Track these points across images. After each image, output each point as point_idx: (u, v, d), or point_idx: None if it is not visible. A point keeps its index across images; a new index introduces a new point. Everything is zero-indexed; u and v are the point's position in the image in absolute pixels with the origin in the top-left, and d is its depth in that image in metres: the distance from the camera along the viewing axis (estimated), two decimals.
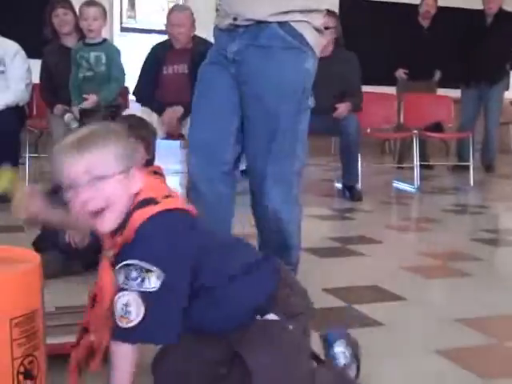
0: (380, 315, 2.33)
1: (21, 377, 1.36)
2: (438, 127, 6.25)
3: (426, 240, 3.73)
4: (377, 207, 4.83)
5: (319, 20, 2.20)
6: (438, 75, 7.02)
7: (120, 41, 7.85)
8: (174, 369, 1.49)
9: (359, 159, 5.24)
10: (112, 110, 4.36)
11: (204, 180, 2.25)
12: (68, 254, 2.74)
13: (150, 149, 2.68)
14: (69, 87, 4.39)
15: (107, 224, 1.40)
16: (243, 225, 2.70)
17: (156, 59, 4.84)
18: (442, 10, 7.06)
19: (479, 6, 6.74)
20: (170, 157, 5.80)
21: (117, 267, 1.37)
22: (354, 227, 4.13)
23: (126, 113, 4.71)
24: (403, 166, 6.68)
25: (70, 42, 4.65)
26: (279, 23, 2.12)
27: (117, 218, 1.40)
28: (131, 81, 5.39)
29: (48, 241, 2.86)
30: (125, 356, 1.38)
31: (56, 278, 2.63)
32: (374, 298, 2.56)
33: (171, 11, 4.93)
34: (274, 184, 2.22)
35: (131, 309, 1.35)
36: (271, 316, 1.45)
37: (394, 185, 5.95)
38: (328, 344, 1.68)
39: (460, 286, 2.78)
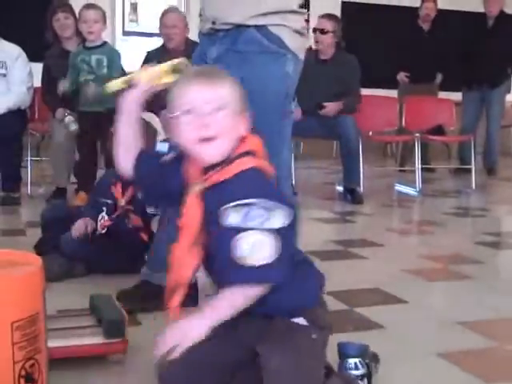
0: (381, 318, 2.33)
1: (22, 380, 1.36)
2: (439, 130, 6.24)
3: (428, 243, 3.73)
4: (378, 210, 4.83)
5: (299, 22, 2.16)
6: (439, 78, 7.02)
7: (122, 44, 7.87)
8: (183, 374, 1.46)
9: (361, 162, 5.25)
10: (113, 114, 4.36)
11: None
12: (70, 257, 2.75)
13: (150, 146, 2.70)
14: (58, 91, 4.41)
15: (215, 152, 1.45)
16: None
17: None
18: (442, 13, 7.06)
19: (480, 9, 6.74)
20: None
21: (229, 205, 1.38)
22: (355, 230, 4.13)
23: None
24: (405, 169, 6.68)
25: (71, 45, 4.66)
26: (257, 27, 2.08)
27: (224, 150, 1.45)
28: None
29: (49, 244, 2.86)
30: (242, 301, 1.40)
31: (59, 281, 2.63)
32: (375, 301, 2.56)
33: (164, 13, 4.93)
34: None
35: (261, 247, 1.37)
36: (301, 320, 1.48)
37: (396, 188, 5.95)
38: (343, 354, 1.71)
39: (461, 288, 2.78)
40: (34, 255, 1.56)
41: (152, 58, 4.96)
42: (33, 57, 4.84)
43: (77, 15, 4.57)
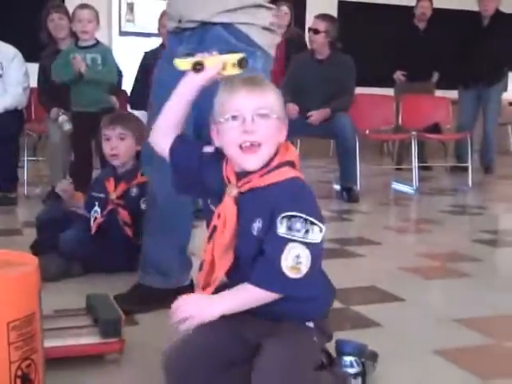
0: (378, 316, 2.33)
1: (18, 381, 1.35)
2: (436, 128, 6.25)
3: (425, 241, 3.73)
4: (375, 208, 4.83)
5: (268, 19, 2.16)
6: (435, 76, 7.03)
7: (119, 44, 7.87)
8: (188, 365, 1.48)
9: (357, 160, 5.25)
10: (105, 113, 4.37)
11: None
12: (68, 256, 2.75)
13: (141, 141, 2.71)
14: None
15: (258, 161, 1.49)
16: None
17: (147, 66, 4.84)
18: (438, 12, 7.07)
19: (476, 8, 6.74)
20: None
21: (279, 215, 1.42)
22: (352, 228, 4.14)
23: None
24: (402, 167, 6.68)
25: (66, 46, 4.66)
26: (224, 25, 2.07)
27: (266, 158, 1.49)
28: (130, 84, 5.41)
29: (46, 245, 2.86)
30: (261, 300, 1.46)
31: (56, 281, 2.63)
32: (372, 299, 2.56)
33: (163, 14, 4.94)
34: None
35: (302, 260, 1.43)
36: (310, 323, 1.56)
37: (393, 186, 5.95)
38: (339, 352, 1.72)
39: (459, 286, 2.78)
40: (31, 255, 1.56)
41: (149, 58, 4.97)
42: (29, 57, 4.83)
43: (71, 15, 4.57)
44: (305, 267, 1.43)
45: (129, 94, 5.52)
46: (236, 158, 1.50)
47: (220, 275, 1.53)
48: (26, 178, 4.97)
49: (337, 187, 5.28)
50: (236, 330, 1.52)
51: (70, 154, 4.57)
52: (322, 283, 1.61)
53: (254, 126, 1.47)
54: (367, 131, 5.89)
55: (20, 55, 4.72)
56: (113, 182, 2.88)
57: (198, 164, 1.60)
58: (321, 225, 1.45)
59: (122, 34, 8.23)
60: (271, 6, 2.19)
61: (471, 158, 6.10)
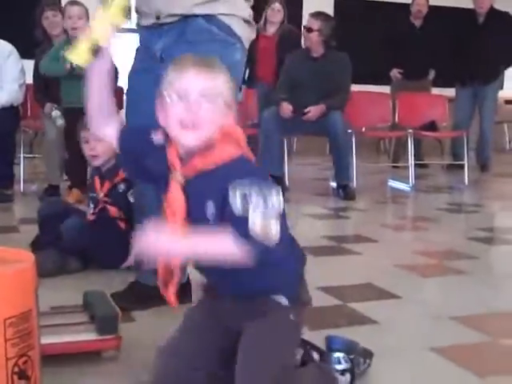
0: (375, 313, 2.33)
1: (15, 377, 1.35)
2: (432, 126, 6.26)
3: (421, 239, 3.74)
4: (372, 206, 4.84)
5: (247, 10, 2.16)
6: (432, 74, 7.03)
7: (115, 41, 7.84)
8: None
9: (353, 158, 5.25)
10: None
11: None
12: (69, 247, 2.75)
13: None
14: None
15: (195, 139, 1.46)
16: None
17: None
18: (434, 9, 7.07)
19: (471, 5, 6.74)
20: None
21: (232, 191, 1.38)
22: (349, 226, 4.14)
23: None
24: (398, 165, 6.68)
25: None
26: (205, 17, 2.07)
27: (204, 139, 1.46)
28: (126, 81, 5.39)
29: (47, 240, 2.86)
30: (231, 251, 1.37)
31: (52, 276, 2.62)
32: (369, 297, 2.56)
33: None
34: None
35: (270, 229, 1.37)
36: (282, 299, 1.52)
37: (389, 184, 5.96)
38: (328, 348, 1.72)
39: (455, 284, 2.79)
40: (27, 252, 1.55)
41: None
42: (24, 54, 4.81)
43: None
44: (274, 234, 1.37)
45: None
46: (176, 135, 1.48)
47: (177, 264, 1.50)
48: (22, 174, 4.96)
49: (333, 185, 5.28)
50: (216, 322, 1.54)
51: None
52: (289, 247, 1.57)
53: (197, 107, 1.44)
54: (363, 129, 5.89)
55: (16, 52, 4.70)
56: (98, 180, 2.92)
57: (144, 149, 1.58)
58: (276, 187, 1.41)
59: (118, 30, 8.22)
60: None
61: (467, 156, 6.11)
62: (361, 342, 1.79)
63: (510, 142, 9.43)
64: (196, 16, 2.07)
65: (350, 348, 1.73)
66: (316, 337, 1.85)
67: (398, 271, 2.94)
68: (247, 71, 5.88)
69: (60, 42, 4.45)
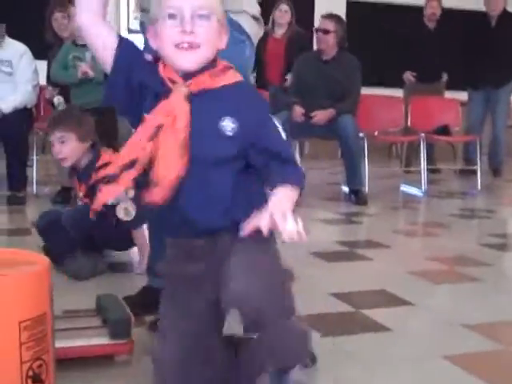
0: (387, 320, 2.32)
1: (29, 381, 1.36)
2: (445, 130, 6.23)
3: (434, 245, 3.72)
4: (384, 211, 4.82)
5: (255, 7, 2.15)
6: (445, 77, 7.01)
7: None
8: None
9: (366, 162, 5.24)
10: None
11: None
12: (73, 233, 2.73)
13: (88, 136, 2.82)
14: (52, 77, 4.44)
15: (195, 60, 1.41)
16: None
17: None
18: (448, 12, 7.05)
19: (484, 8, 6.72)
20: None
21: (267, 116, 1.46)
22: (361, 231, 4.13)
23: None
24: (410, 169, 6.66)
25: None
26: None
27: (204, 60, 1.42)
28: None
29: (57, 248, 2.85)
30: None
31: (86, 279, 2.68)
32: (381, 303, 2.56)
33: None
34: None
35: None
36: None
37: (401, 189, 5.94)
38: None
39: (467, 290, 2.77)
40: (40, 255, 1.56)
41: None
42: (36, 55, 4.85)
43: None
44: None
45: None
46: (171, 57, 1.41)
47: (174, 177, 1.38)
48: (34, 176, 4.98)
49: (345, 189, 5.27)
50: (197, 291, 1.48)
51: None
52: None
53: (193, 27, 1.39)
54: (376, 133, 5.88)
55: (29, 52, 4.73)
56: (77, 181, 2.90)
57: (138, 64, 1.49)
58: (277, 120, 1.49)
59: (130, 31, 8.25)
60: None
61: (480, 161, 6.08)
62: (372, 349, 1.79)
63: None
64: None
65: None
66: (328, 344, 1.85)
67: (411, 277, 2.93)
68: (255, 73, 5.90)
69: (67, 46, 4.46)
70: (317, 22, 5.60)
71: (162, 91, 1.43)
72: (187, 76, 1.42)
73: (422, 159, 5.82)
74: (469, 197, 5.75)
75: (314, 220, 4.29)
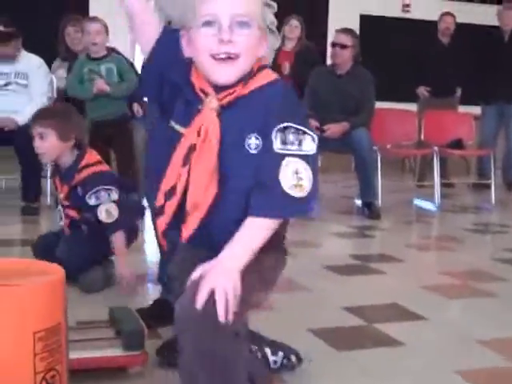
0: (400, 335, 2.31)
1: None
2: (458, 144, 6.21)
3: (447, 259, 3.70)
4: (397, 225, 4.80)
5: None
6: (459, 92, 7.00)
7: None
8: None
9: (379, 176, 5.22)
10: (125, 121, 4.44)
11: None
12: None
13: (67, 137, 2.73)
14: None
15: (234, 73, 1.32)
16: None
17: None
18: (462, 27, 7.05)
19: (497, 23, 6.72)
20: None
21: (274, 131, 1.28)
22: (374, 245, 4.12)
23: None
24: (424, 183, 6.64)
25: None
26: None
27: (241, 72, 1.33)
28: None
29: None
30: (271, 230, 1.29)
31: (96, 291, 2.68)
32: (394, 317, 2.55)
33: None
34: None
35: (303, 176, 1.27)
36: None
37: (415, 203, 5.92)
38: None
39: (481, 306, 2.76)
40: (54, 264, 1.56)
41: None
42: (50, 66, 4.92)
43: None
44: (307, 182, 1.27)
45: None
46: (208, 69, 1.32)
47: (204, 207, 1.32)
48: (48, 188, 5.00)
49: (358, 202, 5.26)
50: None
51: None
52: None
53: (232, 36, 1.28)
54: (389, 146, 5.87)
55: (45, 66, 4.79)
56: (59, 181, 2.85)
57: (174, 60, 1.41)
58: (312, 134, 1.31)
59: None
60: (271, 3, 2.18)
61: (494, 175, 6.05)
62: (385, 363, 1.78)
63: None
64: None
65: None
66: (341, 360, 1.84)
67: (423, 292, 2.92)
68: None
69: (81, 60, 4.50)
70: (330, 36, 5.61)
71: (192, 99, 1.37)
72: (219, 88, 1.34)
73: (435, 173, 5.80)
74: (483, 211, 5.72)
75: (327, 233, 4.28)
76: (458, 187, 6.97)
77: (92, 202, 2.68)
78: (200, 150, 1.32)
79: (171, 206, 1.37)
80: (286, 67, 5.92)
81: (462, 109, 7.11)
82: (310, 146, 1.30)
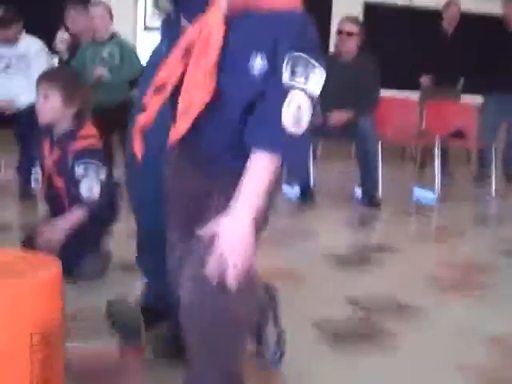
0: (397, 327, 2.31)
1: None
2: (459, 135, 6.18)
3: (447, 251, 3.69)
4: (397, 215, 4.78)
5: None
6: (461, 82, 6.96)
7: (143, 39, 7.89)
8: None
9: (379, 165, 5.19)
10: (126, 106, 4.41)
11: None
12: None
13: (71, 103, 2.66)
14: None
15: None
16: None
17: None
18: (466, 16, 6.99)
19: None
20: None
21: (286, 59, 1.23)
22: (374, 235, 4.11)
23: None
24: (424, 173, 6.61)
25: (85, 40, 4.71)
26: None
27: None
28: None
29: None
30: (272, 168, 1.26)
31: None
32: (392, 309, 2.54)
33: None
34: None
35: (304, 113, 1.25)
36: None
37: (415, 192, 5.89)
38: None
39: (481, 298, 2.75)
40: (52, 257, 1.54)
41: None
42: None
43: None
44: (305, 121, 1.26)
45: None
46: None
47: (203, 100, 1.27)
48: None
49: (358, 191, 5.24)
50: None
51: None
52: None
53: None
54: (389, 134, 5.84)
55: (46, 49, 4.74)
56: (48, 145, 2.73)
57: None
58: (322, 69, 1.28)
59: (147, 28, 8.25)
60: None
61: (495, 167, 6.03)
62: (385, 356, 1.78)
63: None
64: None
65: None
66: (338, 352, 1.83)
67: (423, 284, 2.91)
68: None
69: (86, 45, 4.48)
70: (333, 24, 5.56)
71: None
72: None
73: (436, 163, 5.77)
74: (483, 202, 5.70)
75: (326, 223, 4.27)
76: (458, 178, 6.95)
77: (79, 171, 2.58)
78: (199, 47, 1.28)
79: (157, 101, 1.34)
80: None
81: (463, 98, 7.07)
82: (316, 83, 1.27)
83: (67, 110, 2.68)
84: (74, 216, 2.60)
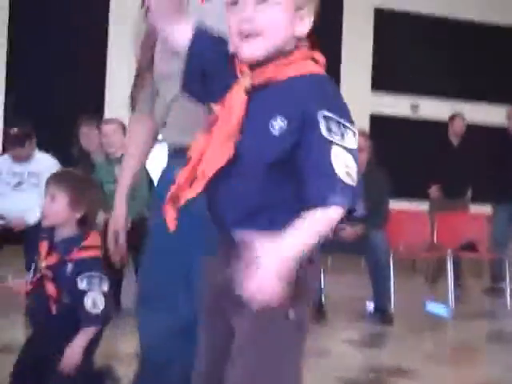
0: None
1: None
2: (471, 246, 6.13)
3: (464, 372, 3.56)
4: (410, 333, 4.64)
5: None
6: (470, 192, 6.99)
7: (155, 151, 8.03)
8: None
9: (391, 279, 5.11)
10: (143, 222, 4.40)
11: None
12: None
13: (77, 207, 2.51)
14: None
15: (255, 50, 1.30)
16: None
17: None
18: (472, 128, 7.11)
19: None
20: None
21: (321, 115, 1.24)
22: (387, 355, 3.97)
23: None
24: (436, 286, 6.50)
25: (97, 158, 4.78)
26: None
27: (267, 49, 1.30)
28: None
29: None
30: (328, 221, 1.29)
31: None
32: None
33: None
34: None
35: (351, 168, 1.26)
36: None
37: (427, 307, 5.77)
38: None
39: None
40: None
41: None
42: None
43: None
44: (354, 174, 1.27)
45: None
46: (235, 48, 1.31)
47: (212, 168, 1.28)
48: None
49: (370, 306, 5.13)
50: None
51: None
52: None
53: (253, 14, 1.27)
54: (401, 248, 5.80)
55: (58, 166, 4.80)
56: (46, 247, 2.54)
57: (214, 58, 1.39)
58: (354, 129, 1.28)
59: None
60: None
61: (509, 279, 5.91)
62: None
63: None
64: None
65: None
66: None
67: None
68: None
69: (100, 164, 4.53)
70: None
71: (232, 81, 1.35)
72: (254, 67, 1.32)
73: (448, 277, 5.68)
74: (498, 317, 5.56)
75: (337, 341, 4.16)
76: (471, 291, 6.82)
77: (83, 285, 2.42)
78: (221, 119, 1.31)
79: (184, 172, 1.34)
80: None
81: (473, 208, 7.07)
82: (352, 141, 1.28)
83: (72, 213, 2.52)
84: (79, 341, 2.51)
